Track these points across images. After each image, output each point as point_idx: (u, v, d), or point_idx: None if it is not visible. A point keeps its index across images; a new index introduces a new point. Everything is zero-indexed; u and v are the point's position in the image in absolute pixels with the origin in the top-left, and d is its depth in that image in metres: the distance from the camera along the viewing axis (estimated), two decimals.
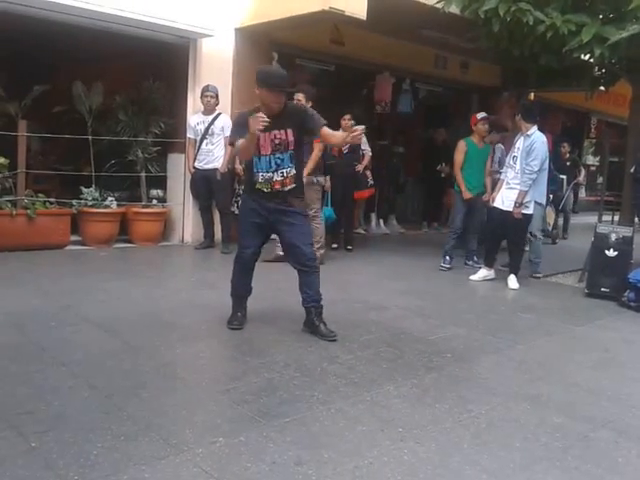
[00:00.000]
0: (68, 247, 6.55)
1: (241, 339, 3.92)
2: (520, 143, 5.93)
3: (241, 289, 4.19)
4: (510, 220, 5.88)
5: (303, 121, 3.85)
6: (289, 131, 3.81)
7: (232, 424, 2.69)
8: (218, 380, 3.22)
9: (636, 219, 7.13)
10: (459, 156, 6.72)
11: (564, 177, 9.54)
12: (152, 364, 3.36)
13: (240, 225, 4.12)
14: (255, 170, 3.87)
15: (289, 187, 3.89)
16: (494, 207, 6.08)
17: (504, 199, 5.96)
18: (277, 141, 3.80)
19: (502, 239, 6.28)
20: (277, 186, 3.86)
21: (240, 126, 3.79)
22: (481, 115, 6.74)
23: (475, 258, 6.88)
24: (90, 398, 2.88)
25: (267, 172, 3.84)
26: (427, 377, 3.46)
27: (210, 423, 2.69)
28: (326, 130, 3.86)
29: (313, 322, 4.02)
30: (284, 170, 3.85)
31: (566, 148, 10.25)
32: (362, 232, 8.87)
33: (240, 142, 3.78)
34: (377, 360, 3.67)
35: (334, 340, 3.91)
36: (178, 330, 4.00)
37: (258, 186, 3.88)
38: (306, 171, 5.60)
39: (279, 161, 3.84)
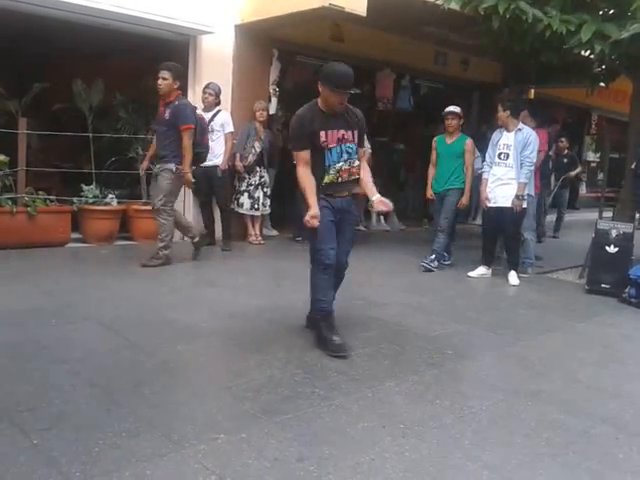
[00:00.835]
0: (69, 245, 6.55)
1: (242, 336, 3.92)
2: (509, 139, 5.89)
3: (330, 302, 3.84)
4: (508, 216, 5.87)
5: (362, 132, 3.87)
6: (355, 133, 3.77)
7: (233, 421, 2.70)
8: (219, 377, 3.23)
9: (637, 215, 7.11)
10: (431, 153, 6.71)
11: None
12: (153, 361, 3.37)
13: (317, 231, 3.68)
14: (327, 164, 3.71)
15: (354, 177, 3.82)
16: (488, 206, 6.02)
17: (498, 196, 5.90)
18: (344, 140, 3.73)
19: (498, 237, 6.23)
20: (345, 175, 3.76)
21: (304, 133, 3.67)
22: (447, 109, 6.48)
23: (433, 256, 6.39)
24: (91, 395, 2.88)
25: (338, 162, 3.73)
26: (428, 373, 3.46)
27: (211, 420, 2.69)
28: (363, 152, 3.94)
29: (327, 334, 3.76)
30: (351, 160, 3.76)
31: (564, 143, 10.17)
32: (362, 229, 8.85)
33: (304, 187, 3.65)
34: (378, 357, 3.67)
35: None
36: (179, 327, 4.00)
37: (327, 180, 3.73)
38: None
39: (350, 150, 3.75)
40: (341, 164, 3.73)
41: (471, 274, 6.17)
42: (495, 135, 6.09)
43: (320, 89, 3.68)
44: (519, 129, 5.90)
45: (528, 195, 5.97)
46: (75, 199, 6.67)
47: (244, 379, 3.17)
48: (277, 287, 5.41)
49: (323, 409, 2.88)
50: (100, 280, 5.15)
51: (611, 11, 5.87)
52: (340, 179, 3.76)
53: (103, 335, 3.78)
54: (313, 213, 3.57)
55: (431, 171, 6.68)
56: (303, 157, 3.68)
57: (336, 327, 3.77)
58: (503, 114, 5.95)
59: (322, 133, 3.65)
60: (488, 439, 2.71)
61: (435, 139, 6.68)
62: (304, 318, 4.12)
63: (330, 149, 3.69)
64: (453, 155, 6.46)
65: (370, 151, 8.00)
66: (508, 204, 5.84)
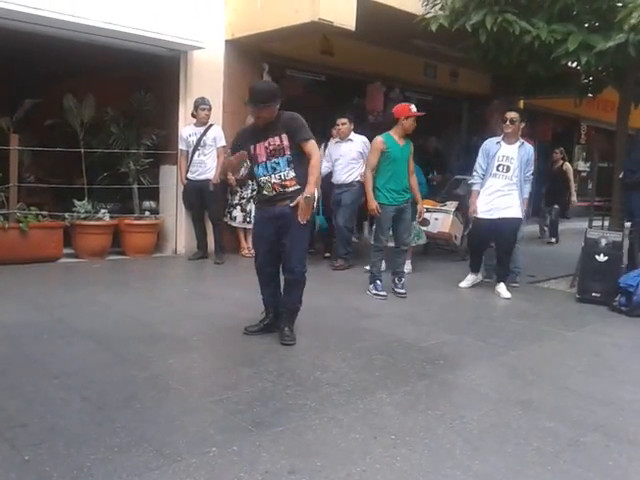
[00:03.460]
0: (61, 260, 6.54)
1: (234, 349, 3.93)
2: (511, 152, 5.78)
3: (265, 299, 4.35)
4: (507, 227, 5.76)
5: (294, 130, 3.96)
6: (283, 136, 3.94)
7: (225, 434, 2.70)
8: (211, 390, 3.23)
9: (626, 224, 7.17)
10: (373, 157, 5.63)
11: None
12: (145, 375, 3.37)
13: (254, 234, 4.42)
14: (257, 176, 4.09)
15: (291, 189, 3.97)
16: (480, 218, 5.87)
17: (499, 207, 5.75)
18: (271, 147, 3.96)
19: (486, 249, 6.16)
20: (277, 188, 3.99)
21: (241, 140, 4.16)
22: (415, 110, 5.59)
23: (396, 280, 5.80)
24: (83, 410, 2.88)
25: (264, 176, 4.01)
26: (419, 384, 3.48)
27: (203, 433, 2.69)
28: (308, 147, 3.97)
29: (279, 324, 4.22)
30: (281, 173, 3.96)
31: (558, 155, 10.02)
32: (355, 240, 8.88)
33: (231, 158, 4.18)
34: (370, 368, 3.69)
35: (290, 344, 4.02)
36: (171, 341, 4.01)
37: (264, 191, 4.07)
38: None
39: (275, 165, 3.98)
40: (268, 177, 4.01)
41: (462, 285, 6.18)
42: (490, 146, 5.89)
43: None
44: (522, 143, 5.81)
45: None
46: (67, 214, 6.67)
47: (236, 392, 3.18)
48: None
49: (315, 421, 2.89)
50: (92, 295, 5.15)
51: (596, 23, 5.95)
52: (274, 191, 4.02)
53: (95, 349, 3.78)
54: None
55: (372, 177, 5.64)
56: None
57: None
58: (514, 126, 5.74)
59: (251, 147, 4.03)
60: (479, 449, 2.72)
61: (381, 139, 5.58)
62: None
63: (257, 165, 4.03)
64: (407, 158, 5.69)
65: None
66: (509, 215, 5.72)
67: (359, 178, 6.78)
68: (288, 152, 3.95)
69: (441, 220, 7.79)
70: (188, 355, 3.76)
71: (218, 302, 5.19)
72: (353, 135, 7.03)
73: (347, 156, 6.98)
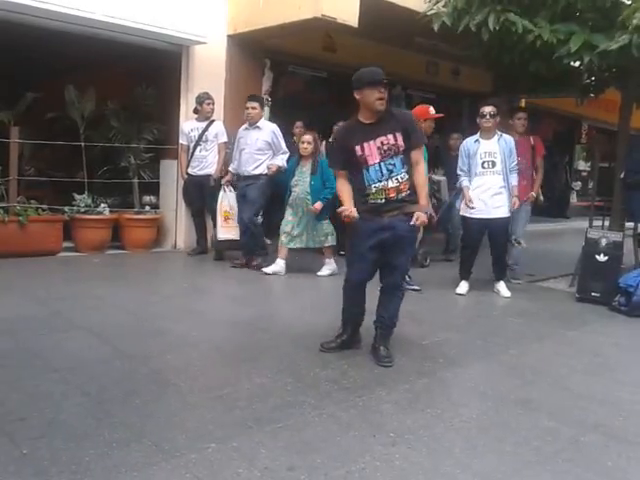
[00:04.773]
0: (60, 254, 6.54)
1: (234, 345, 3.93)
2: (492, 147, 5.68)
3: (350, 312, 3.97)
4: (501, 226, 5.73)
5: (412, 131, 3.66)
6: (398, 135, 3.60)
7: (224, 430, 2.70)
8: (210, 386, 3.22)
9: (628, 224, 7.16)
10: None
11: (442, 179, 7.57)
12: (144, 370, 3.37)
13: (353, 245, 3.78)
14: (366, 183, 3.63)
15: (403, 194, 3.65)
16: (471, 218, 5.74)
17: (491, 207, 5.66)
18: (385, 147, 3.60)
19: (478, 249, 6.00)
20: (392, 194, 3.63)
21: (343, 141, 3.74)
22: (433, 111, 5.76)
23: (407, 278, 5.53)
24: (82, 405, 2.88)
25: (379, 182, 3.61)
26: (419, 382, 3.47)
27: (202, 429, 2.69)
28: (418, 155, 3.68)
29: (374, 343, 3.85)
30: (398, 176, 3.62)
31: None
32: None
33: (341, 193, 3.75)
34: (369, 365, 3.68)
35: (388, 366, 3.67)
36: (170, 336, 4.01)
37: (373, 198, 3.64)
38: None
39: (391, 167, 3.62)
40: (384, 182, 3.62)
41: (458, 291, 5.93)
42: (469, 146, 5.79)
43: (358, 97, 3.66)
44: (500, 135, 5.74)
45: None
46: (67, 208, 6.67)
47: (235, 388, 3.17)
48: (269, 296, 5.41)
49: (314, 418, 2.88)
50: (91, 289, 5.15)
51: (599, 23, 5.92)
52: (387, 199, 3.65)
53: (94, 344, 3.78)
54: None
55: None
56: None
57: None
58: (494, 120, 5.66)
59: (356, 147, 3.61)
60: (478, 447, 2.72)
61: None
62: (296, 326, 4.13)
63: (367, 168, 3.62)
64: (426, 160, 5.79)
65: None
66: (500, 214, 5.67)
67: (267, 171, 6.34)
68: (402, 152, 3.60)
69: None
70: (187, 350, 3.75)
71: (217, 297, 5.19)
72: (263, 122, 6.46)
73: (253, 145, 6.36)
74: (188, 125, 7.03)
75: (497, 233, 5.80)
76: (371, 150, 3.60)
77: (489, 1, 5.78)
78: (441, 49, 8.90)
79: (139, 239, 7.10)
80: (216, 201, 6.69)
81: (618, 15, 5.48)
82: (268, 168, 6.32)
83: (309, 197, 6.07)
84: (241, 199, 6.53)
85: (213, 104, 6.88)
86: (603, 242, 5.87)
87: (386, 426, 2.86)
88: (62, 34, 6.39)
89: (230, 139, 7.06)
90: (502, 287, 5.94)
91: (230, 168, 6.67)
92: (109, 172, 7.19)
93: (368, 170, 3.62)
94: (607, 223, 6.79)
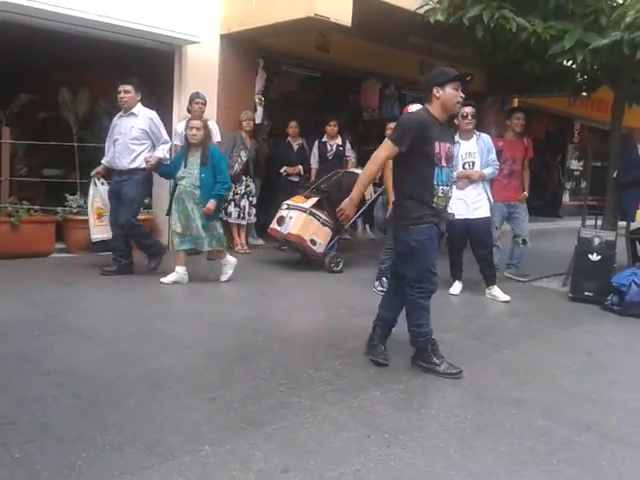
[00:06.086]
0: (53, 255, 6.50)
1: (227, 346, 3.91)
2: (471, 147, 5.65)
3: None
4: (478, 228, 5.61)
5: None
6: (451, 147, 3.61)
7: (218, 432, 2.68)
8: (204, 388, 3.20)
9: (620, 223, 7.19)
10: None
11: None
12: (137, 372, 3.35)
13: (425, 255, 3.59)
14: (436, 183, 3.51)
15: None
16: (454, 219, 5.45)
17: (471, 208, 5.60)
18: (450, 155, 3.59)
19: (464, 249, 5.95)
20: (447, 203, 3.64)
21: (418, 134, 3.42)
22: (415, 107, 5.52)
23: (384, 279, 5.67)
24: (74, 407, 2.86)
25: (446, 185, 3.56)
26: (413, 382, 3.47)
27: (196, 431, 2.68)
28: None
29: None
30: (449, 187, 3.64)
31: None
32: (348, 237, 8.87)
33: (368, 174, 3.55)
34: (363, 366, 3.68)
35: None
36: (163, 338, 3.99)
37: (437, 201, 3.54)
38: None
39: (451, 176, 3.64)
40: (448, 189, 3.60)
41: (452, 291, 5.93)
42: (457, 144, 5.58)
43: (439, 95, 3.48)
44: (478, 135, 5.72)
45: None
46: (59, 209, 6.63)
47: (229, 390, 3.16)
48: (262, 297, 5.39)
49: (308, 419, 2.87)
50: (84, 291, 5.12)
51: (591, 22, 5.94)
52: (445, 206, 3.64)
53: (87, 346, 3.75)
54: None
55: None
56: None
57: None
58: (474, 121, 5.63)
59: (437, 144, 3.48)
60: (473, 448, 2.72)
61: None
62: (289, 327, 4.12)
63: (441, 169, 3.51)
64: None
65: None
66: (481, 215, 5.59)
67: (144, 165, 5.68)
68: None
69: (294, 219, 6.43)
70: (181, 352, 3.74)
71: (210, 298, 5.17)
72: (139, 108, 5.75)
73: (128, 134, 5.67)
74: (182, 125, 6.97)
75: (479, 233, 5.68)
76: (443, 152, 3.49)
77: None
78: (435, 49, 8.91)
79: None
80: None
81: (610, 14, 5.50)
82: (146, 161, 5.65)
83: (197, 191, 5.46)
84: (114, 198, 5.77)
85: (203, 104, 6.83)
86: (596, 241, 5.89)
87: (381, 427, 2.85)
88: (55, 33, 6.36)
89: (223, 139, 7.05)
90: (497, 292, 5.79)
91: (103, 161, 5.93)
92: None
93: (441, 170, 3.50)
94: (600, 222, 6.82)
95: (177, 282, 5.52)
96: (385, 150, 3.51)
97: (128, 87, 5.69)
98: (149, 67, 7.28)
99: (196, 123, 5.52)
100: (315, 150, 7.89)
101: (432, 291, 3.72)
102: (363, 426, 2.84)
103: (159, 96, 7.31)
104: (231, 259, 5.83)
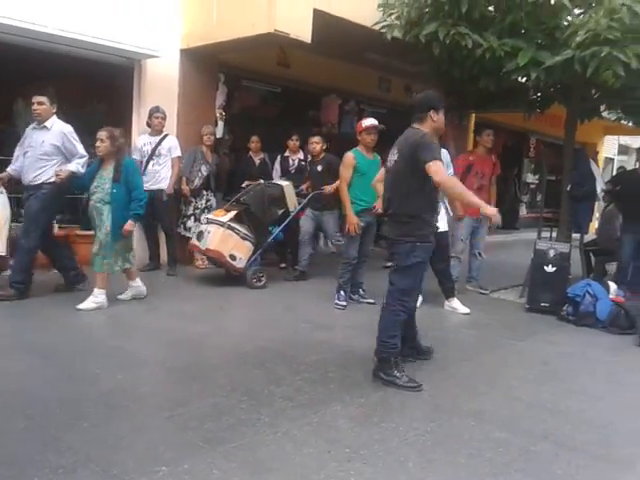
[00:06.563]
0: (7, 272, 6.29)
1: (186, 363, 3.85)
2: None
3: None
4: (444, 240, 5.67)
5: None
6: None
7: (176, 452, 2.63)
8: (161, 406, 3.15)
9: (575, 235, 7.39)
10: (346, 171, 5.69)
11: None
12: (93, 392, 3.27)
13: (420, 272, 3.85)
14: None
15: None
16: None
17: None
18: None
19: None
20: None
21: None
22: (369, 122, 5.72)
23: (361, 291, 6.05)
24: (27, 429, 2.77)
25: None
26: (374, 396, 3.48)
27: (153, 451, 2.62)
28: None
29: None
30: None
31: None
32: (310, 251, 8.88)
33: (460, 188, 3.70)
34: (324, 381, 3.67)
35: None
36: (120, 356, 3.91)
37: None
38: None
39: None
40: None
41: (447, 305, 5.93)
42: None
43: (435, 118, 3.73)
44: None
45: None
46: (14, 225, 6.44)
47: (187, 408, 3.11)
48: (221, 312, 5.35)
49: (268, 436, 2.85)
50: (39, 308, 4.99)
51: (544, 41, 6.12)
52: None
53: (39, 365, 3.65)
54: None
55: (347, 192, 5.70)
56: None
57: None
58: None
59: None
60: (433, 461, 2.73)
61: (351, 155, 5.72)
62: (249, 342, 4.09)
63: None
64: (376, 171, 5.44)
65: None
66: (442, 229, 5.52)
67: (53, 179, 5.26)
68: None
69: (211, 234, 6.17)
70: (138, 370, 3.66)
71: (169, 315, 5.09)
72: (53, 121, 5.33)
73: (38, 149, 5.29)
74: (141, 139, 6.93)
75: (438, 247, 5.65)
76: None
77: (440, 15, 5.93)
78: (394, 65, 9.04)
79: (89, 256, 6.89)
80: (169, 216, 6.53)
81: (561, 34, 5.68)
82: (56, 174, 5.23)
83: (105, 207, 5.04)
84: (25, 211, 5.51)
85: (163, 118, 6.78)
86: (551, 253, 6.03)
87: (341, 442, 2.84)
88: (14, 47, 6.22)
89: (183, 153, 7.01)
90: (457, 304, 5.87)
91: (9, 169, 5.51)
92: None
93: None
94: (555, 234, 6.99)
95: (98, 308, 5.07)
96: (442, 168, 3.62)
97: (42, 99, 5.29)
98: (109, 81, 7.19)
99: (101, 134, 5.05)
100: (277, 165, 7.89)
101: (412, 308, 3.92)
102: (324, 441, 2.83)
103: (119, 110, 7.22)
104: (140, 289, 5.49)
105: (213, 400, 3.23)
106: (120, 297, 5.38)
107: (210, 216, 6.42)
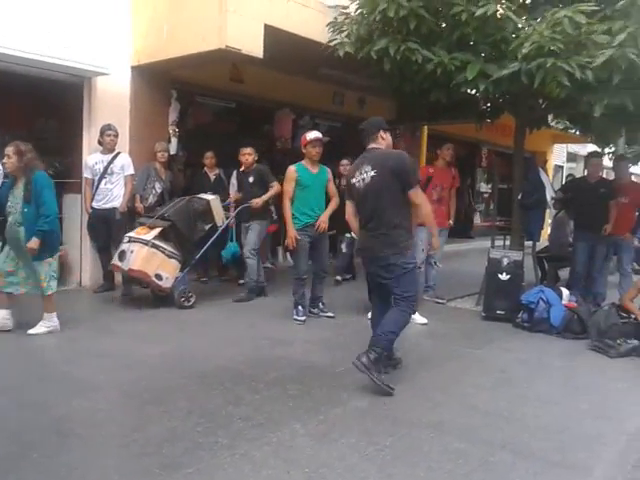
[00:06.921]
0: None
1: (142, 387, 3.77)
2: None
3: None
4: None
5: None
6: None
7: (130, 479, 2.57)
8: (117, 433, 3.07)
9: (527, 242, 7.55)
10: (288, 186, 5.66)
11: None
12: (44, 421, 3.17)
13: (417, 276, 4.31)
14: None
15: None
16: None
17: None
18: None
19: None
20: None
21: None
22: (313, 135, 5.69)
23: (321, 305, 6.03)
24: None
25: None
26: (332, 412, 3.47)
27: None
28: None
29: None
30: None
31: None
32: (270, 266, 8.84)
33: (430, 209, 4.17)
34: (283, 398, 3.64)
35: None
36: (73, 381, 3.80)
37: None
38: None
39: None
40: None
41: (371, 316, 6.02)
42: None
43: (384, 137, 4.23)
44: None
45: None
46: None
47: (143, 433, 3.04)
48: (179, 332, 5.25)
49: (226, 459, 2.80)
50: None
51: (492, 53, 6.27)
52: None
53: None
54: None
55: (290, 207, 5.62)
56: None
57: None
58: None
59: None
60: (392, 476, 2.73)
61: (293, 169, 5.67)
62: (207, 362, 4.04)
63: None
64: (323, 184, 5.80)
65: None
66: None
67: None
68: None
69: (134, 253, 5.83)
70: (92, 396, 3.56)
71: (125, 337, 4.98)
72: None
73: None
74: (93, 158, 6.79)
75: None
76: None
77: (390, 31, 6.02)
78: (348, 80, 9.12)
79: None
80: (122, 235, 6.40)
81: (507, 47, 5.83)
82: None
83: (20, 228, 4.74)
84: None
85: (115, 135, 6.68)
86: (505, 261, 6.15)
87: (300, 461, 2.82)
88: None
89: (136, 171, 6.91)
90: (415, 315, 5.71)
91: None
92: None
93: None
94: (508, 243, 7.12)
95: (50, 331, 4.86)
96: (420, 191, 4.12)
97: None
98: (58, 99, 7.04)
99: (8, 149, 4.71)
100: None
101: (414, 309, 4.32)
102: (282, 462, 2.81)
103: (69, 129, 7.07)
104: (53, 322, 4.96)
105: (170, 424, 3.17)
106: (31, 332, 4.86)
107: (132, 234, 6.03)
